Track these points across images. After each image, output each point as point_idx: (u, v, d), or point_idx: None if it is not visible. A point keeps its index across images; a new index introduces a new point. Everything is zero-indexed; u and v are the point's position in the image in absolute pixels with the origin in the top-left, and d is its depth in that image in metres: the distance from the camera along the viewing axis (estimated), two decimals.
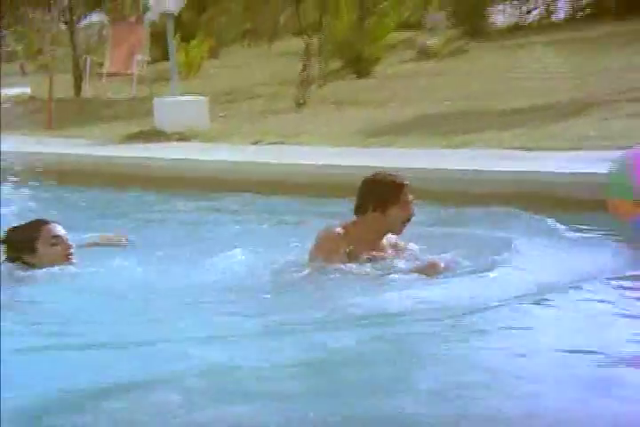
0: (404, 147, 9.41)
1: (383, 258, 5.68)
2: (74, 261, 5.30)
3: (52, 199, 7.89)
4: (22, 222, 5.48)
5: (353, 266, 5.57)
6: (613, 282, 5.33)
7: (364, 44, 19.28)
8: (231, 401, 3.82)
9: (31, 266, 5.23)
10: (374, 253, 5.63)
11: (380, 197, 5.58)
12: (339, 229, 5.63)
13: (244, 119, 12.46)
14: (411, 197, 5.58)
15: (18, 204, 7.64)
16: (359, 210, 5.61)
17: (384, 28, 21.41)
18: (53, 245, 5.20)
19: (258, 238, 6.46)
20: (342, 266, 5.54)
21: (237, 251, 5.84)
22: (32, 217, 5.88)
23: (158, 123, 11.18)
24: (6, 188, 8.04)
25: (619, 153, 6.70)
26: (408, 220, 5.59)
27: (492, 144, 9.11)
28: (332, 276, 5.53)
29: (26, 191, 8.22)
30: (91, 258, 5.49)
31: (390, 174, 5.72)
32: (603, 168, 6.53)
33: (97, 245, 5.75)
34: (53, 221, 5.33)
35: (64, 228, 5.44)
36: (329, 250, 5.60)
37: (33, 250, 5.21)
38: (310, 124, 11.68)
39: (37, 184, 8.54)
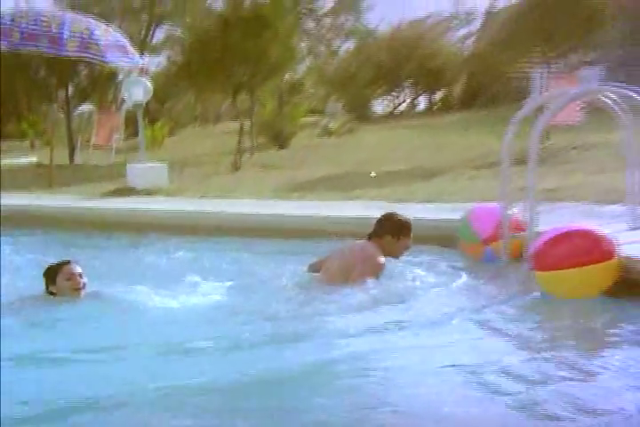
0: (313, 200, 9.39)
1: None
2: (82, 294, 5.22)
3: (45, 240, 7.74)
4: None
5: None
6: None
7: (283, 125, 19.34)
8: None
9: (53, 295, 5.22)
10: None
11: (398, 229, 5.74)
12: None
13: (194, 179, 12.36)
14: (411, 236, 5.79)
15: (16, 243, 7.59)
16: (378, 233, 5.74)
17: (297, 113, 21.55)
18: (67, 280, 5.18)
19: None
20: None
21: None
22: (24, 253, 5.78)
23: (130, 182, 11.02)
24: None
25: (464, 205, 6.73)
26: (407, 249, 5.82)
27: (373, 197, 9.15)
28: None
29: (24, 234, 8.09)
30: None
31: (405, 217, 5.89)
32: (452, 216, 6.57)
33: None
34: (75, 262, 5.30)
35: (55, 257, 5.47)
36: (380, 266, 5.64)
37: (54, 282, 5.20)
38: (243, 183, 11.64)
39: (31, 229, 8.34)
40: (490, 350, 4.33)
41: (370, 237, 5.76)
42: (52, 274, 5.23)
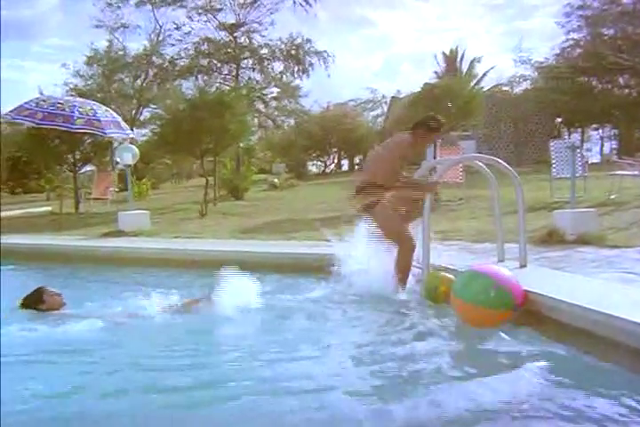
0: (261, 240, 9.30)
1: None
2: (65, 306, 5.09)
3: (52, 273, 7.57)
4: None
5: None
6: None
7: (239, 181, 19.32)
8: None
9: (42, 311, 5.00)
10: None
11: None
12: None
13: (169, 223, 12.20)
14: None
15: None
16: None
17: (250, 172, 21.55)
18: (51, 296, 5.05)
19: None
20: None
21: None
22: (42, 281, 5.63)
23: (121, 226, 10.82)
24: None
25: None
26: None
27: (307, 238, 9.09)
28: None
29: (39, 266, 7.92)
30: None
31: None
32: None
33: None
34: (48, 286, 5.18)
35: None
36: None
37: (43, 301, 5.02)
38: (209, 227, 11.51)
39: (45, 263, 8.16)
40: None
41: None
42: (38, 296, 5.06)
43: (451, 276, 5.05)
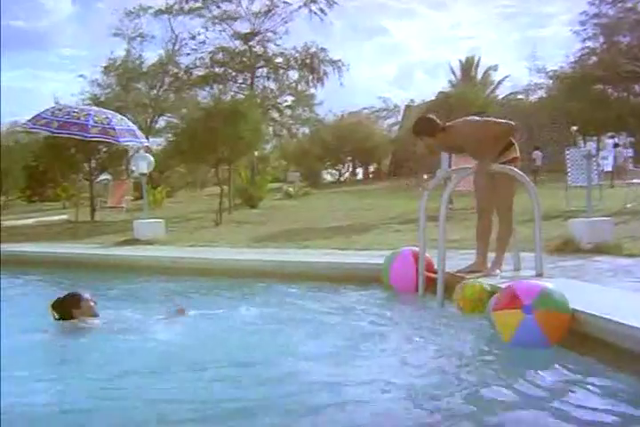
0: (275, 248, 9.28)
1: None
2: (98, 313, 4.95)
3: (66, 280, 7.57)
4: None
5: None
6: None
7: (254, 190, 19.36)
8: None
9: (73, 317, 4.83)
10: None
11: None
12: None
13: (184, 232, 12.23)
14: None
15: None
16: None
17: (265, 181, 21.57)
18: (87, 303, 4.91)
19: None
20: None
21: None
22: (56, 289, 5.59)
23: (136, 234, 10.86)
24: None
25: (389, 252, 6.66)
26: None
27: (321, 246, 9.07)
28: None
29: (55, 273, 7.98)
30: None
31: None
32: (380, 261, 6.50)
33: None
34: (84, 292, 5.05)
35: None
36: None
37: (79, 306, 4.85)
38: (223, 235, 11.50)
39: (61, 270, 8.21)
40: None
41: None
42: (75, 300, 4.86)
43: (487, 286, 4.94)
